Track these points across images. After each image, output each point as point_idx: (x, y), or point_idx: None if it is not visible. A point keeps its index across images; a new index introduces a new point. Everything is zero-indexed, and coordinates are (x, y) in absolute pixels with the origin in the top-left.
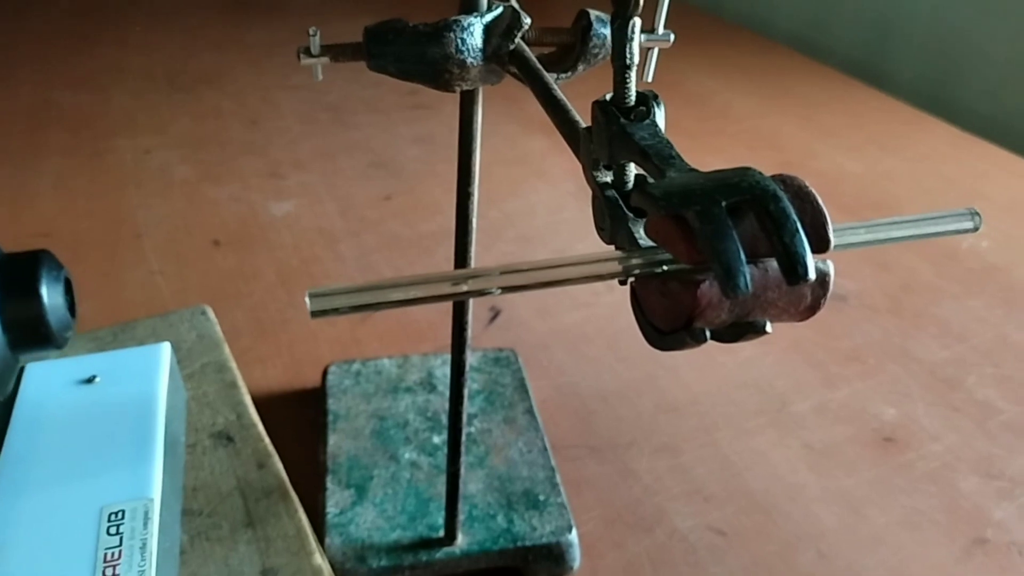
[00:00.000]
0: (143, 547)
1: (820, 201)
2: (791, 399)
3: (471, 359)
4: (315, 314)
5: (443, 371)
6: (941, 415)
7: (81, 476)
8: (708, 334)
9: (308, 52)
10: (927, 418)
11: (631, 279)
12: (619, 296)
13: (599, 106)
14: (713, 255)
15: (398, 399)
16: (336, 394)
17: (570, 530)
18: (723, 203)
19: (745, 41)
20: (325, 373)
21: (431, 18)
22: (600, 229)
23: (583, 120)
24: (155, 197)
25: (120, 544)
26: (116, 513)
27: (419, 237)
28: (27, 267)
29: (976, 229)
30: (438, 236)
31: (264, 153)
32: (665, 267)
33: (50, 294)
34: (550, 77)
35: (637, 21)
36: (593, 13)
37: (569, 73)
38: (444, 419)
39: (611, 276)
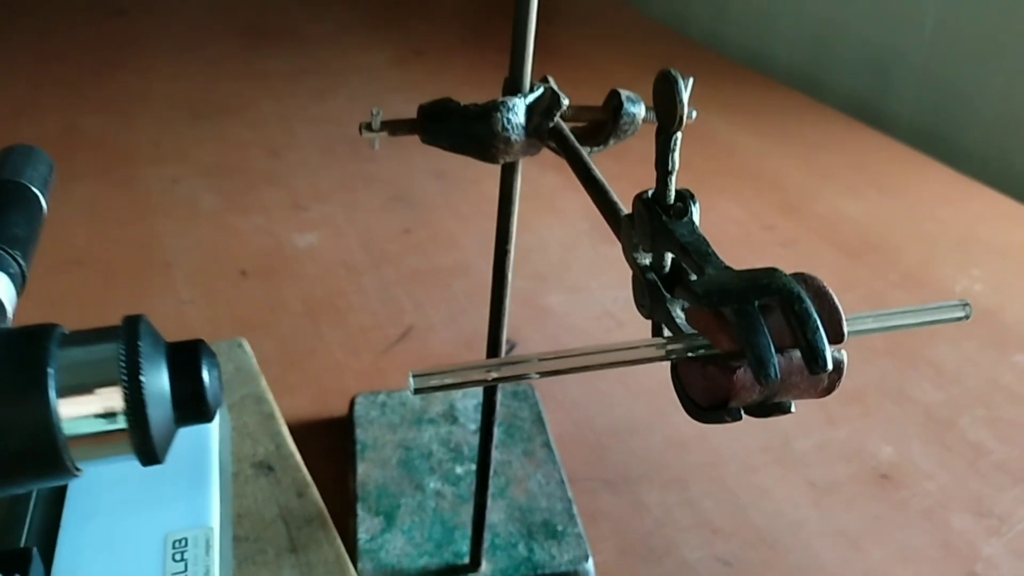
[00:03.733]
0: (207, 573)
1: (836, 299)
2: (794, 437)
3: None
4: (417, 391)
5: (463, 404)
6: (935, 454)
7: (145, 505)
8: (742, 412)
9: (369, 127)
10: (922, 457)
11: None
12: (629, 333)
13: (642, 203)
14: (748, 348)
15: (422, 430)
16: (363, 424)
17: (587, 559)
18: (756, 303)
19: (748, 80)
20: (352, 404)
21: (444, 51)
22: (640, 305)
23: (620, 200)
24: (183, 226)
25: (185, 570)
26: (180, 540)
27: (437, 271)
28: (190, 354)
29: (968, 318)
30: (455, 270)
31: (286, 184)
32: (702, 351)
33: (209, 378)
34: (585, 151)
35: (679, 135)
36: (624, 93)
37: (601, 147)
38: (466, 450)
39: (654, 360)
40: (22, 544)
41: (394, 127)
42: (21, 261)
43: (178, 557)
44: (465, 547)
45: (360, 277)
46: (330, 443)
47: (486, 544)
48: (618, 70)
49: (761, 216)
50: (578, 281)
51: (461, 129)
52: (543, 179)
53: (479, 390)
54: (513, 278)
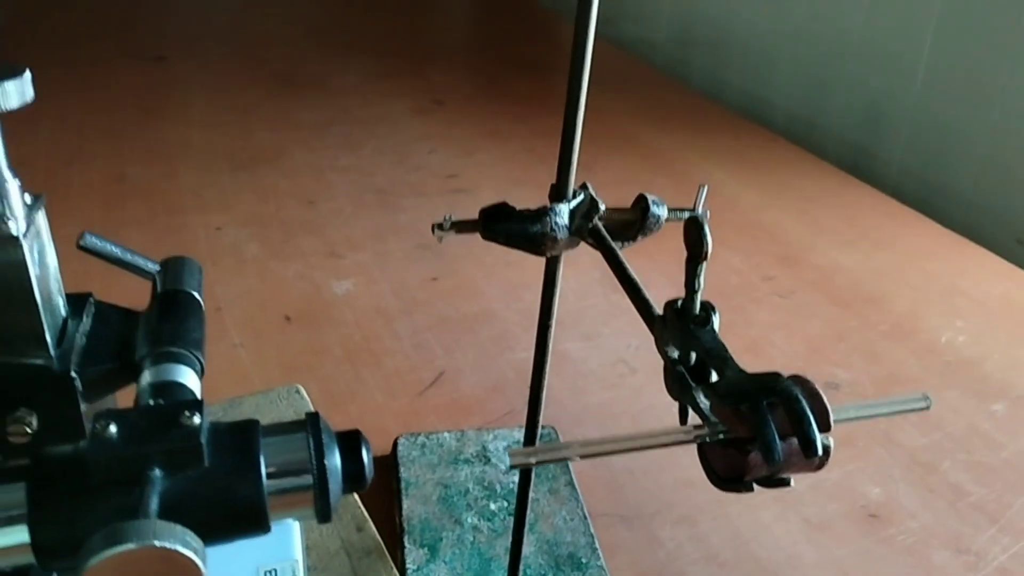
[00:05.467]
0: None
1: (825, 399)
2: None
3: (517, 434)
4: (512, 467)
5: (494, 445)
6: (919, 495)
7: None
8: (754, 485)
9: (441, 227)
10: (907, 498)
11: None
12: (641, 379)
13: (673, 311)
14: (759, 437)
15: (459, 469)
16: (406, 463)
17: None
18: (764, 402)
19: (748, 132)
20: (395, 445)
21: (462, 101)
22: (670, 390)
23: (652, 298)
24: (230, 273)
25: None
26: (270, 572)
27: (464, 318)
28: (354, 442)
29: (928, 408)
30: (481, 318)
31: (322, 233)
32: (723, 436)
33: (368, 459)
34: (617, 245)
35: (705, 264)
36: (650, 197)
37: (631, 242)
38: (498, 488)
39: (687, 443)
40: None
41: (460, 226)
42: (202, 360)
43: None
44: None
45: (394, 323)
46: (376, 481)
47: (520, 575)
48: (621, 120)
49: (761, 267)
50: (592, 328)
51: (515, 229)
52: None
53: (509, 433)
54: (535, 325)
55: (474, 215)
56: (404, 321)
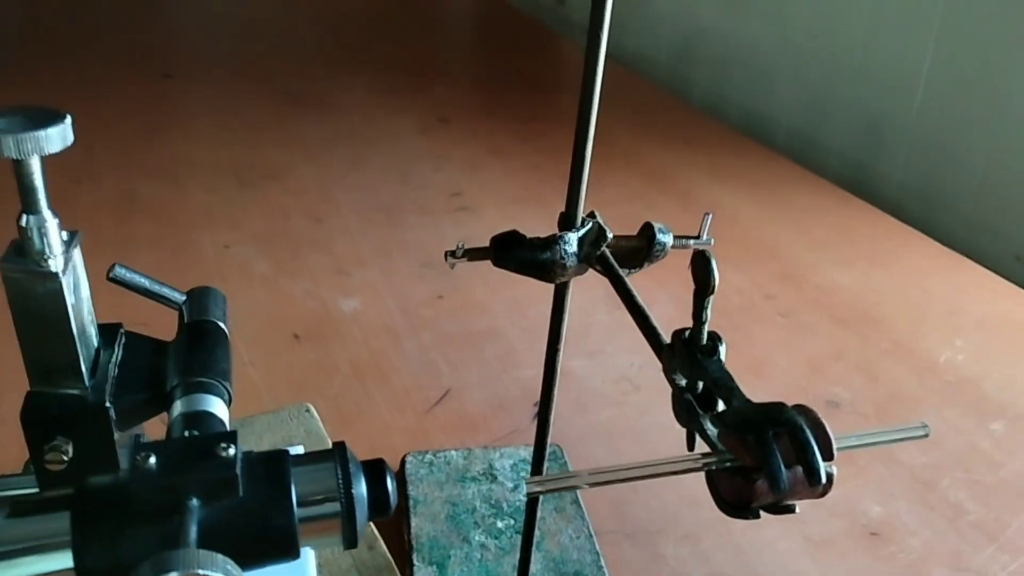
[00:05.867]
0: None
1: (828, 428)
2: None
3: (523, 453)
4: (529, 495)
5: (501, 463)
6: (919, 513)
7: None
8: (760, 512)
9: (454, 254)
10: (907, 516)
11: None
12: (645, 395)
13: (681, 341)
14: (765, 467)
15: (466, 487)
16: (414, 481)
17: None
18: (770, 432)
19: (748, 151)
20: (403, 462)
21: (467, 119)
22: (678, 417)
23: (659, 325)
24: (239, 290)
25: None
26: None
27: (469, 335)
28: (378, 470)
29: (927, 436)
30: (486, 335)
31: (329, 250)
32: (730, 464)
33: (392, 486)
34: (623, 272)
35: (712, 298)
36: (656, 225)
37: (637, 268)
38: (505, 506)
39: (696, 470)
40: None
41: (472, 254)
42: (230, 389)
43: None
44: None
45: (400, 341)
46: None
47: None
48: (623, 137)
49: (762, 285)
50: (596, 346)
51: (526, 256)
52: None
53: (515, 451)
54: (539, 343)
55: (479, 233)
56: (411, 339)
